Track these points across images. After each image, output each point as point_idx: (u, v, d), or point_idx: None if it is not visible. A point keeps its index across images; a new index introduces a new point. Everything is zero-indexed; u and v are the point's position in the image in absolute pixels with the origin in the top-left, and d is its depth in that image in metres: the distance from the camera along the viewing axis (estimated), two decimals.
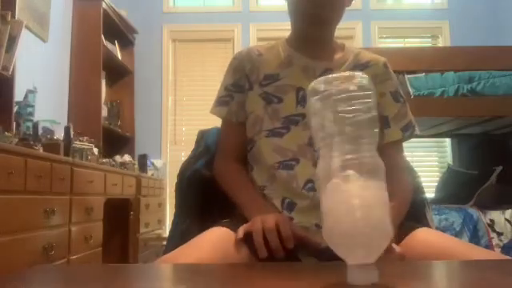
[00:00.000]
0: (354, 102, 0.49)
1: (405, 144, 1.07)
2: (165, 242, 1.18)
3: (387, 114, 1.03)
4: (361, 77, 0.52)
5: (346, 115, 0.49)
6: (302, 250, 0.94)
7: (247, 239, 0.85)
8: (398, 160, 1.01)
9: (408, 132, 1.03)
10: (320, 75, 1.03)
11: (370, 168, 0.49)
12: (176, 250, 0.80)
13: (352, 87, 0.50)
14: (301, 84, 1.00)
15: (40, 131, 2.68)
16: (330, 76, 0.53)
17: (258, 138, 1.02)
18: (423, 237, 0.86)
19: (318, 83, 0.53)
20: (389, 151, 0.97)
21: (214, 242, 0.81)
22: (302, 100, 0.99)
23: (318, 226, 0.92)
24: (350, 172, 0.48)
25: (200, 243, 0.82)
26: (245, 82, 1.05)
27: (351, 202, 0.48)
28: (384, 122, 1.02)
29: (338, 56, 1.05)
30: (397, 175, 0.94)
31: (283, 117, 0.99)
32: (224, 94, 1.06)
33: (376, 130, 0.51)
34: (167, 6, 4.80)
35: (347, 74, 0.53)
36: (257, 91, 1.04)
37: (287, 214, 0.95)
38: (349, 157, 0.49)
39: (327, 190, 0.50)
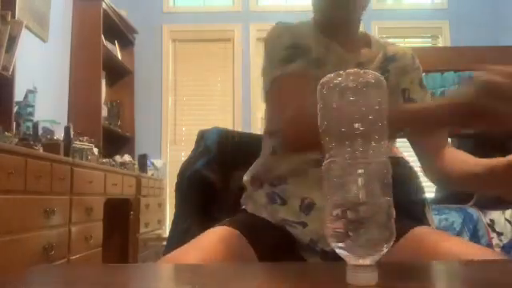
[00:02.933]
0: (370, 98, 0.49)
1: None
2: (165, 242, 1.17)
3: (416, 97, 1.04)
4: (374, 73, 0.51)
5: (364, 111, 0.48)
6: (308, 250, 0.93)
7: (250, 238, 0.85)
8: (443, 140, 0.99)
9: None
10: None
11: (376, 169, 0.49)
12: (178, 249, 0.78)
13: (371, 81, 0.50)
14: None
15: (40, 131, 2.68)
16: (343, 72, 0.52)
17: None
18: (419, 235, 0.85)
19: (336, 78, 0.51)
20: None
21: (217, 242, 0.80)
22: None
23: None
24: (356, 172, 0.48)
25: (202, 243, 0.80)
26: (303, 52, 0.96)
27: (355, 201, 0.48)
28: None
29: (366, 49, 1.03)
30: (450, 149, 0.95)
31: None
32: (286, 53, 0.93)
33: (385, 130, 0.50)
34: (167, 5, 4.80)
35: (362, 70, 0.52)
36: None
37: (303, 217, 0.92)
38: (357, 156, 0.48)
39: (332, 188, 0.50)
